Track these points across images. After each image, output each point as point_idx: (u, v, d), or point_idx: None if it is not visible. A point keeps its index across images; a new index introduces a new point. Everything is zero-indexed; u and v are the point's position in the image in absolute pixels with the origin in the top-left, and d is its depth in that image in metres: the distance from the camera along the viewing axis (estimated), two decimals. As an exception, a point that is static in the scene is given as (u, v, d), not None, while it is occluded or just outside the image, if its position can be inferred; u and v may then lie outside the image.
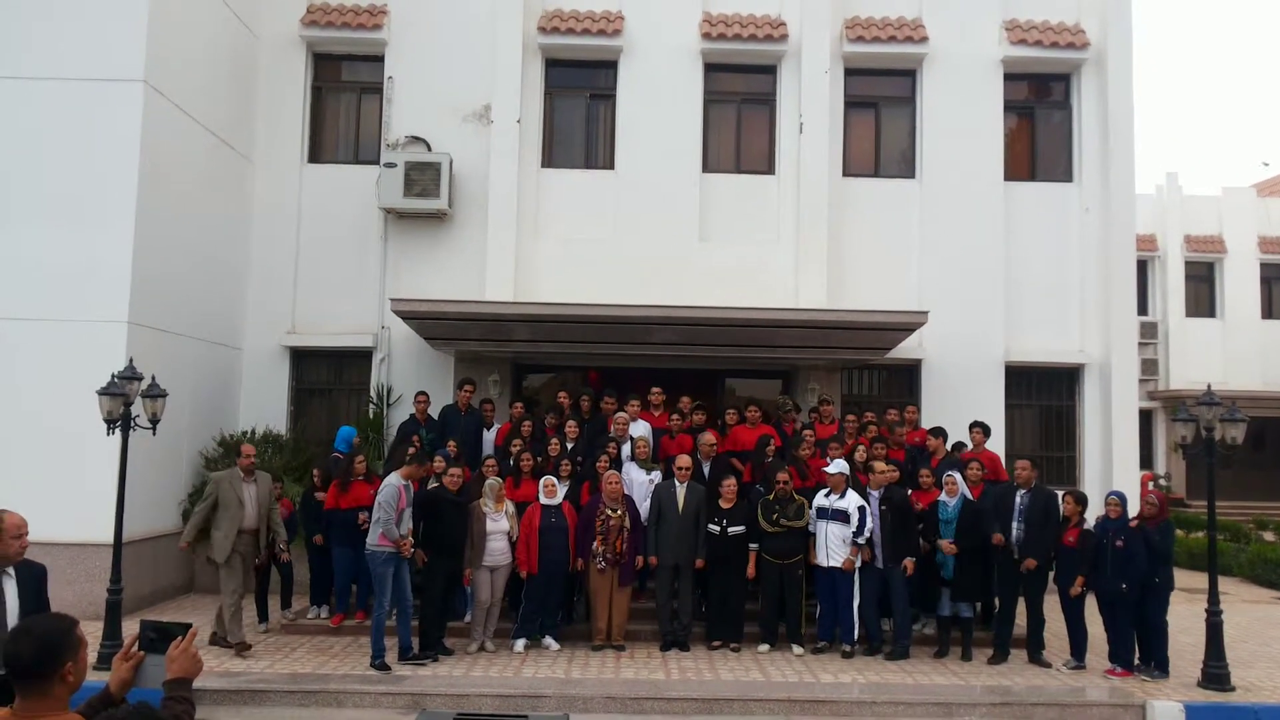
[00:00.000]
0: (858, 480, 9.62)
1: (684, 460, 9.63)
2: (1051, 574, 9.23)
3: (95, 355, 9.77)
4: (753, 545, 9.40)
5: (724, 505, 9.47)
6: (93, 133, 10.47)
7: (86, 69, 10.50)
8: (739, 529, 9.39)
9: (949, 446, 10.68)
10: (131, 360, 9.11)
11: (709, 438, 10.33)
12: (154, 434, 9.13)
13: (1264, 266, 26.20)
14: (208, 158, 12.12)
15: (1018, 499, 9.23)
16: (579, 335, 11.45)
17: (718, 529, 9.40)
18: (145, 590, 10.72)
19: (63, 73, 10.48)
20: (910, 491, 9.69)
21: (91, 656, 7.73)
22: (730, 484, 9.55)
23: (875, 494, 9.36)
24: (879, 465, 9.59)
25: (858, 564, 9.21)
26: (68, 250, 10.31)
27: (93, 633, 8.65)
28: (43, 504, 9.83)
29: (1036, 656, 9.17)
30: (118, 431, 8.67)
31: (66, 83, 10.48)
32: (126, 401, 8.67)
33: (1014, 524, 9.14)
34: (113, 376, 8.69)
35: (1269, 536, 18.87)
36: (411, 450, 9.11)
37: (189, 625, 2.90)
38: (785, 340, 11.67)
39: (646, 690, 8.01)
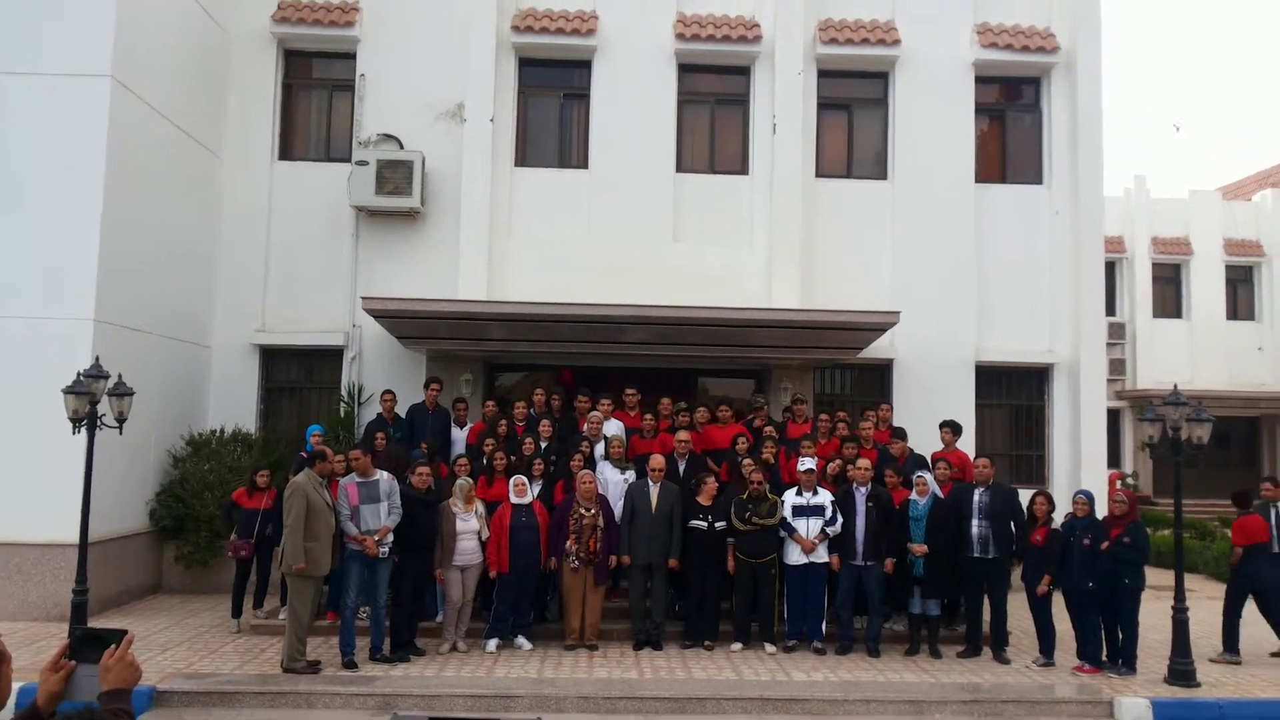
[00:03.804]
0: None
1: (657, 460, 9.63)
2: (1018, 571, 9.32)
3: (61, 353, 9.63)
4: (730, 539, 9.44)
5: (704, 502, 9.48)
6: (59, 128, 10.31)
7: (53, 64, 10.33)
8: (723, 524, 9.42)
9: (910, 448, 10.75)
10: (98, 358, 8.98)
11: (684, 435, 10.35)
12: (120, 433, 9.03)
13: (1229, 268, 26.61)
14: (176, 154, 11.97)
15: (976, 496, 9.32)
16: (552, 334, 11.40)
17: (704, 525, 9.41)
18: (112, 591, 10.57)
19: (29, 67, 10.31)
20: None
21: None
22: (710, 480, 9.58)
23: (862, 491, 9.42)
24: (862, 463, 9.64)
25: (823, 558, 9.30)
26: (33, 247, 10.14)
27: (58, 635, 8.55)
28: (7, 503, 9.86)
29: (999, 654, 9.25)
30: (83, 430, 8.55)
31: (32, 77, 10.31)
32: (92, 400, 8.56)
33: (974, 521, 9.23)
34: (78, 375, 8.57)
35: (1233, 534, 19.11)
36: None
37: (124, 631, 2.62)
38: (758, 340, 11.69)
39: (620, 690, 8.01)
